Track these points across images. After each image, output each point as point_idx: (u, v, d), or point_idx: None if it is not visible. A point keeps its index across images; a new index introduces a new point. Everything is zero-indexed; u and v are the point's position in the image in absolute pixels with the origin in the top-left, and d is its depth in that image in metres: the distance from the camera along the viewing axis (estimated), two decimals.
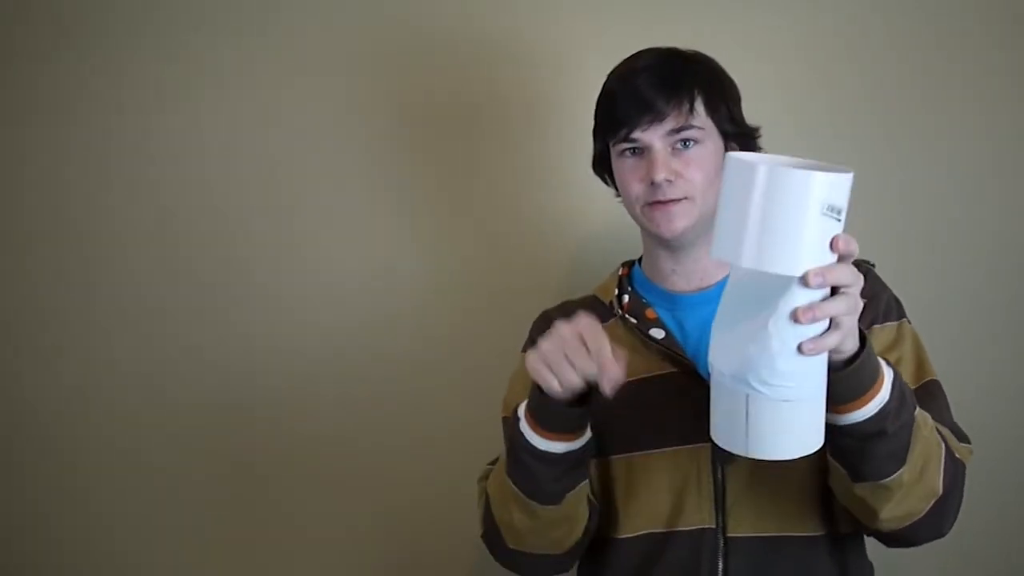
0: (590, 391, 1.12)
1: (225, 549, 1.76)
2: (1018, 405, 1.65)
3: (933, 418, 1.15)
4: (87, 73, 1.76)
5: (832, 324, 0.96)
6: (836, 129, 1.66)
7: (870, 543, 1.29)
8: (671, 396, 1.25)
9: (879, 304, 1.25)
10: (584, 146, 1.37)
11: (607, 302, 1.35)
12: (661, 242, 1.30)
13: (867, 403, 1.02)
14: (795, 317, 0.93)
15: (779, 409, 0.98)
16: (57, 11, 1.77)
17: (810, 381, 0.98)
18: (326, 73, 1.74)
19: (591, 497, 1.27)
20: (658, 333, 1.28)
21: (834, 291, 0.96)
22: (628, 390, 1.26)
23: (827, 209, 0.91)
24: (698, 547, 1.21)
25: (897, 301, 1.28)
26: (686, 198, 1.25)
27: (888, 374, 1.04)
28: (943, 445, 1.12)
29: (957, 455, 1.15)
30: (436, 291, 1.72)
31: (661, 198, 1.25)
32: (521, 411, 1.17)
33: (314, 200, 1.74)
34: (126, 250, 1.76)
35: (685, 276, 1.31)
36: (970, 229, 1.65)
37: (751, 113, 1.32)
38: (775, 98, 1.59)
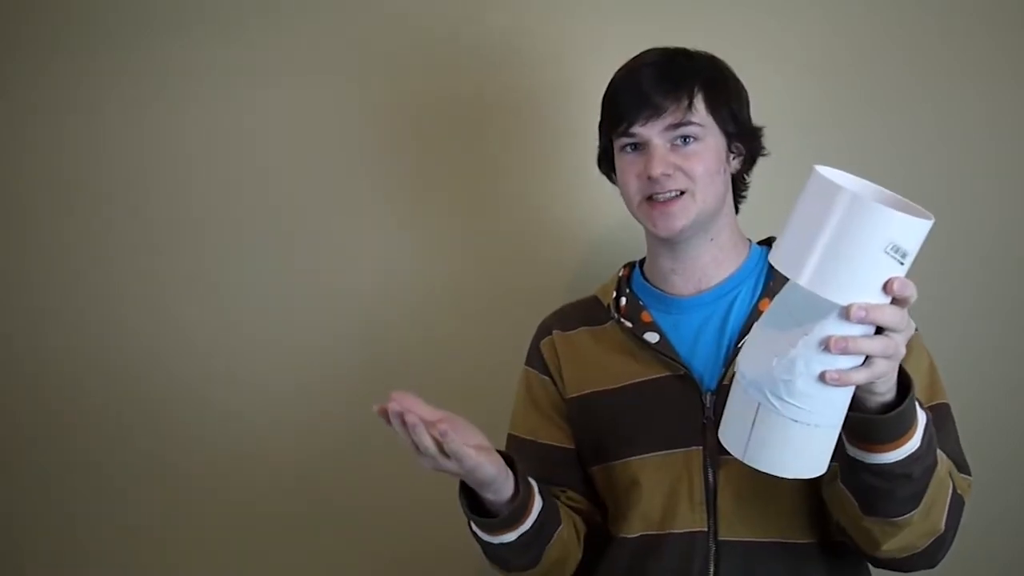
0: (518, 485, 1.16)
1: (224, 547, 1.75)
2: (1019, 405, 1.65)
3: (940, 446, 1.15)
4: (87, 73, 1.76)
5: (866, 361, 0.95)
6: (837, 129, 1.66)
7: None
8: (665, 400, 1.25)
9: None
10: (588, 147, 1.37)
11: (606, 304, 1.36)
12: (661, 240, 1.30)
13: (900, 446, 1.02)
14: (826, 345, 0.93)
15: (786, 427, 0.97)
16: (58, 11, 1.77)
17: (826, 409, 0.97)
18: (328, 73, 1.74)
19: (580, 504, 1.30)
20: (652, 337, 1.28)
21: (878, 330, 0.95)
22: (624, 394, 1.28)
23: (891, 249, 0.89)
24: (689, 550, 1.21)
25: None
26: (684, 192, 1.25)
27: (922, 419, 1.04)
28: (950, 484, 1.13)
29: (958, 491, 1.15)
30: (442, 293, 1.72)
31: (659, 191, 1.25)
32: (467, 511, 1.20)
33: (316, 202, 1.74)
34: (126, 252, 1.77)
35: (684, 276, 1.31)
36: (972, 229, 1.65)
37: (752, 113, 1.32)
38: (776, 98, 1.59)
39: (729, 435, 1.03)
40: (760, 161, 1.35)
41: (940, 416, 1.20)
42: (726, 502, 1.21)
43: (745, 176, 1.35)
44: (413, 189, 1.73)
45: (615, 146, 1.30)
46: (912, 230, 0.90)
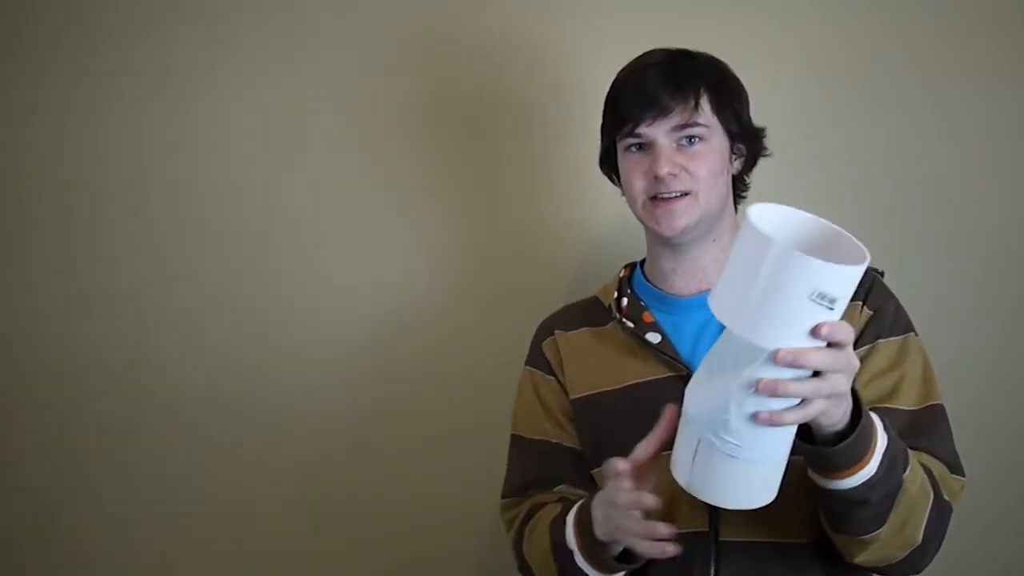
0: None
1: (224, 548, 1.75)
2: (1019, 405, 1.65)
3: (931, 447, 1.17)
4: (87, 73, 1.76)
5: (802, 402, 0.96)
6: (837, 129, 1.66)
7: None
8: (667, 401, 1.22)
9: (884, 317, 1.24)
10: (589, 147, 1.37)
11: (607, 304, 1.35)
12: (662, 240, 1.29)
13: (853, 474, 1.03)
14: (756, 388, 0.94)
15: (724, 462, 1.00)
16: (58, 11, 1.76)
17: (763, 446, 0.99)
18: (327, 74, 1.73)
19: None
20: (654, 337, 1.28)
21: (817, 372, 0.95)
22: (626, 395, 1.28)
23: (816, 296, 0.89)
24: (690, 551, 1.20)
25: (904, 316, 1.27)
26: (688, 193, 1.25)
27: (880, 443, 1.04)
28: (931, 496, 1.12)
29: (946, 496, 1.15)
30: (442, 293, 1.72)
31: (664, 191, 1.25)
32: (572, 545, 1.18)
33: (318, 202, 1.74)
34: (126, 252, 1.76)
35: (684, 277, 1.31)
36: (972, 229, 1.65)
37: (752, 113, 1.32)
38: (776, 98, 1.58)
39: (677, 465, 1.06)
40: (760, 161, 1.35)
41: (934, 417, 1.20)
42: None
43: (746, 177, 1.35)
44: (413, 189, 1.73)
45: (619, 146, 1.30)
46: (836, 277, 0.90)
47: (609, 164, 1.35)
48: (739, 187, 1.35)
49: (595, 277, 1.48)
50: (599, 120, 1.33)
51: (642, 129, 1.25)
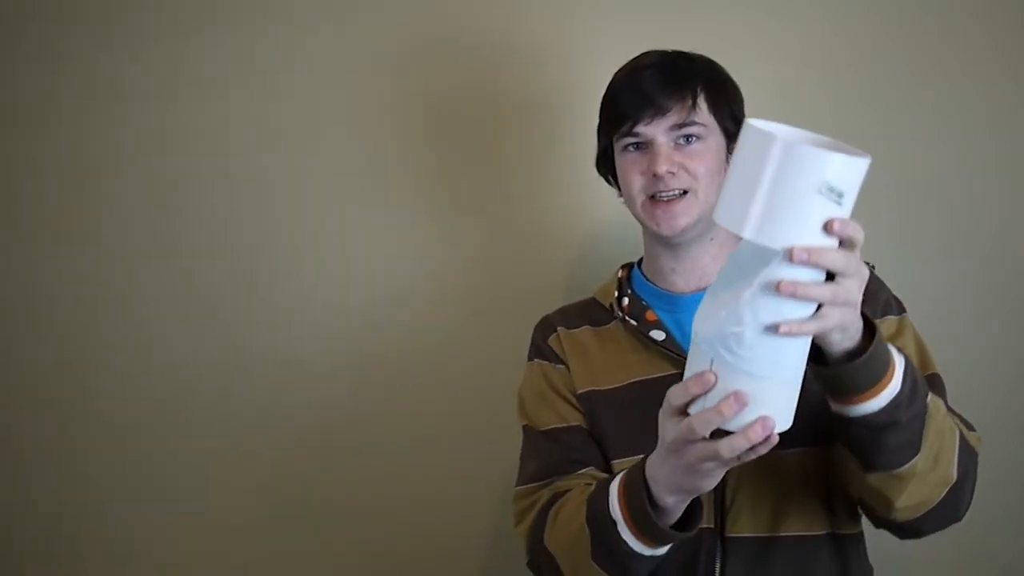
0: (697, 507, 1.11)
1: (223, 549, 1.75)
2: (1019, 405, 1.65)
3: None
4: (95, 75, 1.76)
5: (818, 311, 0.94)
6: (836, 130, 1.66)
7: (872, 544, 1.29)
8: None
9: (878, 301, 1.25)
10: (588, 147, 1.38)
11: (607, 304, 1.36)
12: (661, 240, 1.30)
13: (878, 394, 1.00)
14: (774, 291, 0.91)
15: (739, 380, 0.95)
16: (63, 10, 1.76)
17: (779, 361, 0.96)
18: (327, 74, 1.73)
19: None
20: (658, 335, 1.28)
21: (830, 278, 0.93)
22: (631, 392, 1.28)
23: (825, 189, 0.89)
24: (696, 546, 1.21)
25: (897, 300, 1.28)
26: (687, 191, 1.26)
27: (899, 363, 1.02)
28: (957, 432, 1.11)
29: (969, 441, 1.14)
30: (441, 293, 1.72)
31: (663, 189, 1.25)
32: (617, 514, 1.11)
33: (314, 201, 1.74)
34: (129, 252, 1.76)
35: (684, 275, 1.32)
36: (972, 229, 1.65)
37: (751, 113, 1.31)
38: (775, 98, 1.59)
39: None
40: None
41: (935, 386, 1.20)
42: (733, 498, 1.21)
43: None
44: (411, 189, 1.73)
45: (616, 147, 1.30)
46: (843, 168, 0.89)
47: (606, 165, 1.36)
48: None
49: (594, 276, 1.48)
50: (597, 120, 1.34)
51: (640, 128, 1.26)
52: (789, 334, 0.93)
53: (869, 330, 0.99)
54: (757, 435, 0.95)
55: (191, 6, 1.75)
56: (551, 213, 1.70)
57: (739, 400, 0.95)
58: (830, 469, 1.19)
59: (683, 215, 1.26)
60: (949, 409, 1.16)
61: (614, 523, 1.11)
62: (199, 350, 1.75)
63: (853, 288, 0.94)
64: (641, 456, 1.24)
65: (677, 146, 1.26)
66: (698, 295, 1.29)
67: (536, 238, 1.70)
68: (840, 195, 0.90)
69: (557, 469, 1.28)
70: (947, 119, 1.65)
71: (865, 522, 1.25)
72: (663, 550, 1.12)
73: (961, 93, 1.65)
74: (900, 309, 1.27)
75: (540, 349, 1.37)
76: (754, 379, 0.95)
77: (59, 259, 1.77)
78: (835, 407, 1.03)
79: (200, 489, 1.75)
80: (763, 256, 0.92)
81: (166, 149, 1.76)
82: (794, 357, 0.97)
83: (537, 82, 1.69)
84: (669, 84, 1.25)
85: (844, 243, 0.92)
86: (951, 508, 1.12)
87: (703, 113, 1.26)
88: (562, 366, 1.34)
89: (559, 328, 1.37)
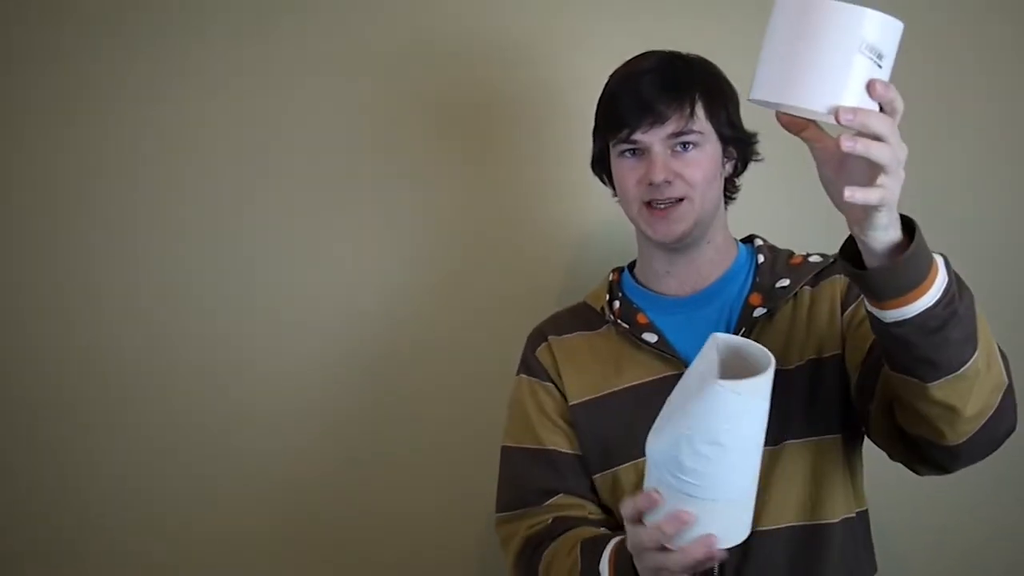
0: None
1: (223, 550, 1.75)
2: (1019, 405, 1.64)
3: None
4: (89, 73, 1.75)
5: (872, 174, 0.91)
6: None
7: (877, 545, 1.29)
8: (666, 399, 1.24)
9: None
10: (581, 149, 1.37)
11: (598, 308, 1.36)
12: (657, 244, 1.30)
13: (931, 287, 0.97)
14: (836, 116, 0.88)
15: (683, 501, 0.99)
16: (69, 8, 1.76)
17: (724, 484, 0.99)
18: (324, 75, 1.73)
19: (602, 519, 1.29)
20: (651, 337, 1.28)
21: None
22: (627, 396, 1.28)
23: (866, 48, 0.88)
24: None
25: None
26: (684, 199, 1.26)
27: (938, 256, 0.99)
28: (992, 339, 1.07)
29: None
30: (436, 298, 1.72)
31: (659, 197, 1.25)
32: None
33: (308, 204, 1.73)
34: (122, 253, 1.76)
35: (679, 278, 1.32)
36: (977, 229, 1.65)
37: (747, 116, 1.31)
38: None
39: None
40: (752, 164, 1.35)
41: None
42: None
43: (736, 179, 1.35)
44: (407, 192, 1.73)
45: (613, 151, 1.30)
46: (884, 27, 0.89)
47: (601, 166, 1.35)
48: (729, 189, 1.35)
49: (586, 277, 1.47)
50: (590, 120, 1.33)
51: (637, 136, 1.25)
52: (852, 199, 0.90)
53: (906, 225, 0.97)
54: (698, 553, 1.00)
55: (192, 6, 1.75)
56: (546, 216, 1.69)
57: (680, 520, 0.99)
58: (827, 465, 1.21)
59: (679, 222, 1.26)
60: None
61: None
62: (199, 352, 1.75)
63: (899, 157, 0.92)
64: (642, 459, 1.25)
65: (674, 153, 1.26)
66: (692, 297, 1.31)
67: (531, 242, 1.69)
68: (880, 56, 0.89)
69: (527, 500, 1.31)
70: (953, 120, 1.64)
71: (870, 522, 1.27)
72: None
73: (963, 93, 1.64)
74: None
75: (528, 364, 1.38)
76: (697, 501, 0.99)
77: (59, 259, 1.77)
78: (891, 314, 0.99)
79: (200, 491, 1.75)
80: (702, 390, 0.96)
81: (156, 151, 1.75)
82: (741, 479, 1.00)
83: (532, 84, 1.68)
84: (668, 91, 1.24)
85: (885, 108, 0.91)
86: (1008, 412, 1.09)
87: (700, 121, 1.26)
88: (550, 384, 1.34)
89: (550, 337, 1.37)
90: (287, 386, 1.74)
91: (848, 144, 0.88)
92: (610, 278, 1.39)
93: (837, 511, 1.23)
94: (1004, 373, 1.08)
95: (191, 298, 1.74)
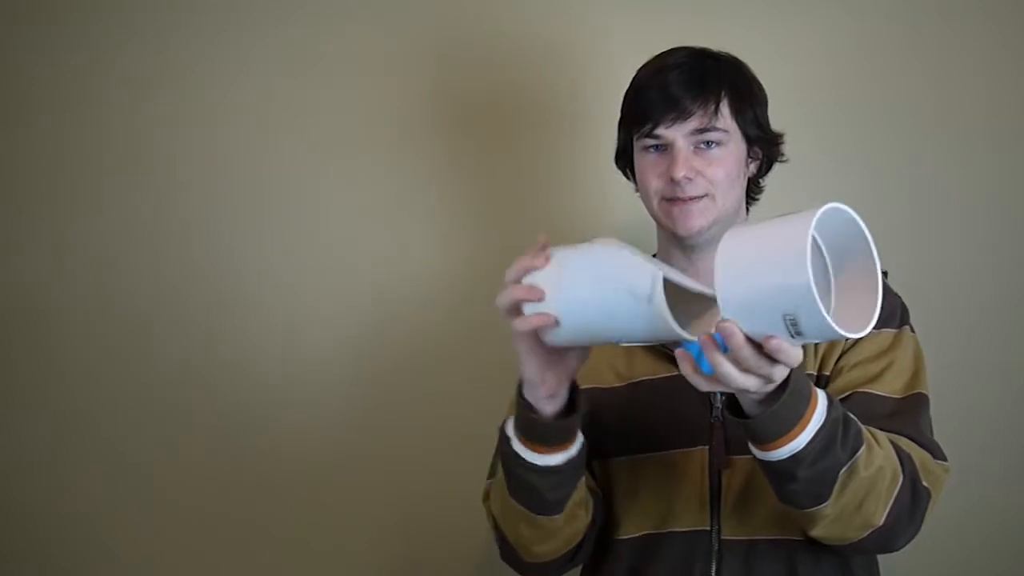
0: (575, 398, 1.11)
1: (222, 550, 1.75)
2: (1019, 405, 1.65)
3: (911, 433, 1.14)
4: (88, 72, 1.75)
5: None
6: (854, 133, 1.66)
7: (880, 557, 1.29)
8: (673, 399, 1.24)
9: (882, 310, 1.25)
10: (600, 147, 1.37)
11: None
12: (676, 240, 1.29)
13: (779, 447, 0.98)
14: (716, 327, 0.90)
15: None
16: (55, 11, 1.76)
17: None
18: (330, 73, 1.73)
19: (592, 488, 1.26)
20: None
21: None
22: (633, 391, 1.28)
23: (790, 321, 0.86)
24: (692, 549, 1.21)
25: (904, 309, 1.27)
26: (706, 195, 1.25)
27: (815, 421, 0.99)
28: (900, 480, 1.08)
29: (925, 483, 1.11)
30: (447, 293, 1.71)
31: (680, 194, 1.25)
32: (510, 430, 1.12)
33: (319, 202, 1.74)
34: (121, 253, 1.76)
35: (696, 277, 1.29)
36: (982, 232, 1.65)
37: (773, 117, 1.31)
38: (794, 101, 1.56)
39: None
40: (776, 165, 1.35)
41: (914, 404, 1.19)
42: (730, 501, 1.21)
43: (760, 180, 1.35)
44: (423, 190, 1.73)
45: (636, 145, 1.29)
46: (821, 329, 0.86)
47: (625, 160, 1.35)
48: (752, 190, 1.34)
49: None
50: (609, 119, 1.33)
51: (661, 130, 1.25)
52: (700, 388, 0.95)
53: (784, 387, 0.97)
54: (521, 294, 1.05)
55: (192, 6, 1.75)
56: (562, 213, 1.69)
57: (535, 293, 1.04)
58: None
59: (700, 216, 1.25)
60: (919, 438, 1.15)
61: (508, 439, 1.12)
62: (198, 352, 1.75)
63: (749, 385, 0.93)
64: (643, 455, 1.25)
65: (697, 150, 1.25)
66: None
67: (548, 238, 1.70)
68: (799, 334, 0.87)
69: None
70: (967, 123, 1.65)
71: None
72: (557, 458, 1.11)
73: (973, 96, 1.64)
74: (903, 320, 1.26)
75: None
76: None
77: (59, 259, 1.77)
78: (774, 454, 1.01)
79: (200, 492, 1.75)
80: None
81: (162, 149, 1.75)
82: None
83: (549, 82, 1.68)
84: (694, 87, 1.24)
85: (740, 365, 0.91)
86: (878, 544, 1.12)
87: (725, 119, 1.25)
88: None
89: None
90: (289, 386, 1.74)
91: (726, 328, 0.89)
92: None
93: None
94: (884, 516, 1.07)
95: (194, 296, 1.75)
